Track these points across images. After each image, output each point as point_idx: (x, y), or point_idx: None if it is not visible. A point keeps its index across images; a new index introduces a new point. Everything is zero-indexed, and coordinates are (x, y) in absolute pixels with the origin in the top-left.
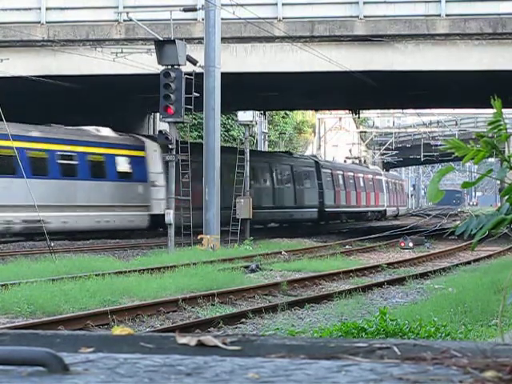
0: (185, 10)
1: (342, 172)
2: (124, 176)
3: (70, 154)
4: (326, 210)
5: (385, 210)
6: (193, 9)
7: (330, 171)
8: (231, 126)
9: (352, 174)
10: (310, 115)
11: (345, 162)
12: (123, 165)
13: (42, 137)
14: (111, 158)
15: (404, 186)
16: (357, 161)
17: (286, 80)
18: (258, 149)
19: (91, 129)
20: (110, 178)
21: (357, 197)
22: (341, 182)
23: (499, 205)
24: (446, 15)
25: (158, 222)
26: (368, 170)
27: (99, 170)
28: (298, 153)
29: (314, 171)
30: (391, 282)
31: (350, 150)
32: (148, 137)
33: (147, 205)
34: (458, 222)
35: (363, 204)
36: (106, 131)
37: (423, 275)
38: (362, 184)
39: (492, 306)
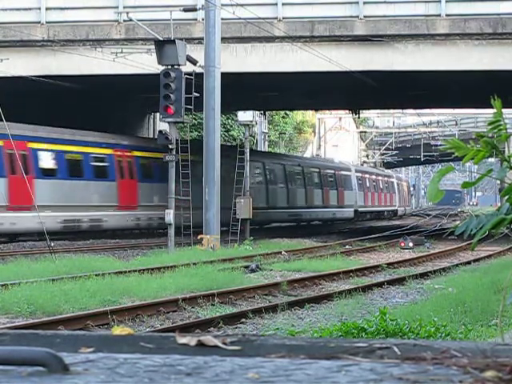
0: (185, 10)
1: (368, 176)
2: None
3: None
4: (359, 209)
5: (396, 210)
6: (193, 9)
7: (360, 175)
8: (231, 126)
9: (374, 177)
10: (310, 115)
11: (362, 165)
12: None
13: None
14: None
15: (409, 187)
16: (372, 165)
17: (286, 80)
18: (258, 149)
19: None
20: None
21: (378, 198)
22: (368, 184)
23: (499, 205)
24: (446, 15)
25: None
26: (384, 173)
27: None
28: (335, 159)
29: (350, 175)
30: (391, 282)
31: (368, 156)
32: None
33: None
34: (457, 222)
35: (382, 204)
36: None
37: (423, 275)
38: (381, 186)
39: (492, 306)
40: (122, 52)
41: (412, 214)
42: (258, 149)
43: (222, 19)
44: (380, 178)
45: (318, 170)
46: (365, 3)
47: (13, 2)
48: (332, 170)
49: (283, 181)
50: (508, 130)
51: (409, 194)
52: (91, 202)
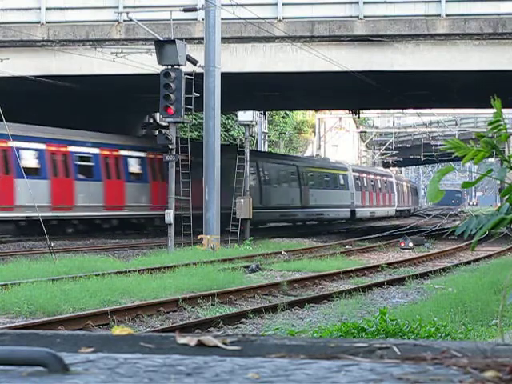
0: (185, 10)
1: (398, 181)
2: (339, 186)
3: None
4: (397, 208)
5: (410, 209)
6: (193, 9)
7: (395, 181)
8: (231, 126)
9: (402, 182)
10: (309, 115)
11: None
12: (339, 179)
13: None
14: (332, 175)
15: (410, 187)
16: (394, 172)
17: (286, 80)
18: (258, 149)
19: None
20: (331, 188)
21: (402, 198)
22: (398, 188)
23: (499, 205)
24: (446, 15)
25: (355, 215)
26: (403, 178)
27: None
28: (378, 168)
29: (392, 181)
30: (391, 282)
31: (388, 164)
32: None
33: (349, 204)
34: (457, 222)
35: (405, 204)
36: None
37: (423, 275)
38: (404, 189)
39: (492, 306)
40: (122, 52)
41: (413, 213)
42: (258, 149)
43: (222, 19)
44: (404, 183)
45: (379, 178)
46: (365, 3)
47: (13, 2)
48: (385, 177)
49: (367, 186)
50: (508, 130)
51: (414, 194)
52: None
